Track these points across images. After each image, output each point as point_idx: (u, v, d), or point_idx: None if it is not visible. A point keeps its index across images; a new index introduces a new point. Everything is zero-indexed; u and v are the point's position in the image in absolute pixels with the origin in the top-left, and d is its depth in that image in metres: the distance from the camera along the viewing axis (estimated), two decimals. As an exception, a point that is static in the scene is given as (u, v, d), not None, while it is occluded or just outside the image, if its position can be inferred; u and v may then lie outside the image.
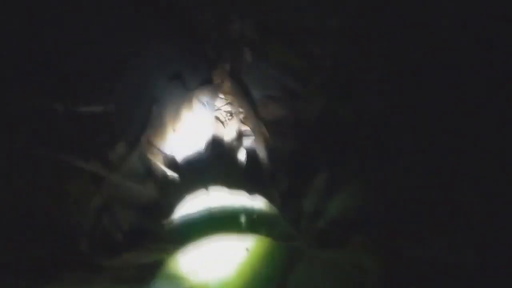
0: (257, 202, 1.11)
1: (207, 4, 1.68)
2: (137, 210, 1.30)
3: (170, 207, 1.17)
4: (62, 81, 1.35)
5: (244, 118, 1.54)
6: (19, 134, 1.31)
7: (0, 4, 1.37)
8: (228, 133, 1.45)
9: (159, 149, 1.33)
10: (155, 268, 1.13)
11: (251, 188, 1.18)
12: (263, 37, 1.67)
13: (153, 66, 1.39)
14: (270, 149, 1.46)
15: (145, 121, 1.33)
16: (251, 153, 1.44)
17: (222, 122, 1.49)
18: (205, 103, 1.47)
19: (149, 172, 1.32)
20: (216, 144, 1.38)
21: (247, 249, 0.99)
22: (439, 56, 1.49)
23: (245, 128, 1.52)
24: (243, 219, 1.08)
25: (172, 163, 1.32)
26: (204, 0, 1.68)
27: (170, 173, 1.29)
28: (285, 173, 1.40)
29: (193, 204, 1.10)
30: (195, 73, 1.49)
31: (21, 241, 1.27)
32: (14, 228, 1.28)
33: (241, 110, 1.54)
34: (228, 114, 1.52)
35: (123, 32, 1.40)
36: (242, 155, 1.40)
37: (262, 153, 1.44)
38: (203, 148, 1.36)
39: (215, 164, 1.32)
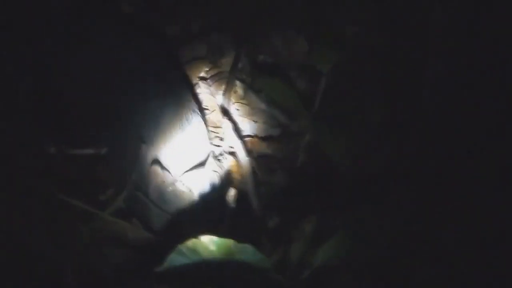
0: (246, 250, 1.13)
1: (201, 38, 1.70)
2: (128, 249, 1.32)
3: (159, 249, 1.18)
4: (56, 123, 1.36)
5: (233, 153, 1.56)
6: (12, 169, 1.32)
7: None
8: (218, 171, 1.47)
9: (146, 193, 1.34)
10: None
11: (242, 230, 1.20)
12: (254, 71, 1.69)
13: (141, 104, 1.40)
14: (259, 187, 1.49)
15: (134, 160, 1.34)
16: (241, 192, 1.46)
17: (212, 158, 1.50)
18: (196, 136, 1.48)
19: (140, 212, 1.33)
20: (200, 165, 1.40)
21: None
22: (437, 98, 1.52)
23: (234, 164, 1.54)
24: (231, 269, 1.09)
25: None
26: (197, 34, 1.70)
27: (161, 214, 1.31)
28: (275, 212, 1.43)
29: (183, 252, 1.11)
30: (185, 109, 1.48)
31: (5, 276, 1.28)
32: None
33: (230, 145, 1.56)
34: (218, 151, 1.53)
35: (113, 73, 1.41)
36: (231, 196, 1.42)
37: (252, 191, 1.46)
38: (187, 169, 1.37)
39: (205, 206, 1.34)
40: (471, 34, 1.53)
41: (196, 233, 1.13)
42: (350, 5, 1.63)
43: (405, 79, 1.58)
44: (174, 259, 1.10)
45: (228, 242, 1.12)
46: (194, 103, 1.54)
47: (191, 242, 1.11)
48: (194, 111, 1.51)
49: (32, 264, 1.31)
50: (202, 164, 1.44)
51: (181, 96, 1.52)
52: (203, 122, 1.52)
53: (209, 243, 1.12)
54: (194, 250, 1.11)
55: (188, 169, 1.41)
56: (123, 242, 1.33)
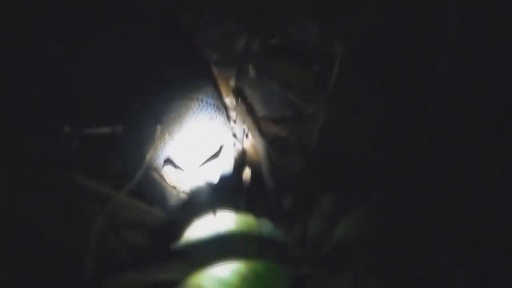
0: (265, 226, 1.11)
1: (214, 23, 1.70)
2: (144, 230, 1.31)
3: (177, 229, 1.17)
4: (70, 102, 1.36)
5: (248, 136, 1.55)
6: (26, 153, 1.32)
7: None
8: (233, 152, 1.46)
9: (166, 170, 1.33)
10: (161, 288, 1.14)
11: (257, 210, 1.19)
12: (268, 54, 1.69)
13: (157, 85, 1.39)
14: (274, 169, 1.48)
15: (150, 141, 1.33)
16: (255, 173, 1.45)
17: (227, 140, 1.49)
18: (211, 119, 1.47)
19: (156, 193, 1.33)
20: (223, 166, 1.39)
21: (255, 275, 0.99)
22: (447, 76, 1.50)
23: (249, 146, 1.53)
24: (251, 244, 1.08)
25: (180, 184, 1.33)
26: (210, 18, 1.70)
27: (177, 194, 1.30)
28: (291, 193, 1.41)
29: (201, 228, 1.10)
30: (200, 90, 1.47)
31: (25, 261, 1.27)
32: (18, 248, 1.28)
33: (245, 127, 1.55)
34: (233, 132, 1.53)
35: (129, 55, 1.41)
36: (247, 175, 1.40)
37: (266, 172, 1.45)
38: (211, 171, 1.36)
39: (222, 186, 1.33)
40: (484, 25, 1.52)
41: (213, 210, 1.12)
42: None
43: (420, 64, 1.56)
44: (192, 233, 1.09)
45: (247, 217, 1.11)
46: (212, 88, 1.52)
47: (208, 218, 1.10)
48: (212, 96, 1.48)
49: (49, 248, 1.31)
50: (218, 152, 1.42)
51: (198, 81, 1.50)
52: (222, 108, 1.50)
53: (227, 218, 1.11)
54: (211, 225, 1.10)
55: (205, 155, 1.40)
56: (140, 223, 1.33)
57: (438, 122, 1.50)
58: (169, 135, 1.37)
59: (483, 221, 1.28)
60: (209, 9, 1.74)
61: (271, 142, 1.56)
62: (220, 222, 1.10)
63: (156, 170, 1.32)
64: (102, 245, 1.31)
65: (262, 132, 1.54)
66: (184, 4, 1.69)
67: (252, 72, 1.66)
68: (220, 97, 1.54)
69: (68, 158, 1.36)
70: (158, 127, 1.31)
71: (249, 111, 1.56)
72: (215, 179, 1.37)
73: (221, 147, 1.41)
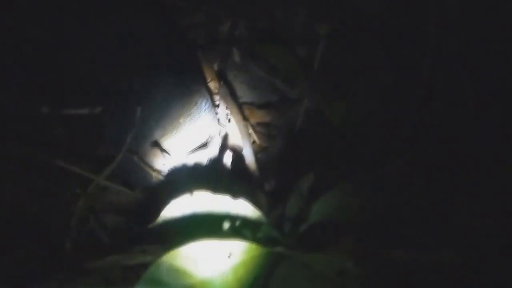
0: (242, 206, 1.11)
1: (199, 5, 1.68)
2: (123, 213, 1.31)
3: (155, 211, 1.17)
4: (50, 82, 1.34)
5: (230, 119, 1.54)
6: (4, 135, 1.31)
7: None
8: (214, 135, 1.45)
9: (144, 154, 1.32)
10: (140, 270, 1.14)
11: (237, 191, 1.18)
12: (252, 39, 1.67)
13: (141, 69, 1.37)
14: (256, 152, 1.47)
15: (130, 123, 1.32)
16: (237, 156, 1.45)
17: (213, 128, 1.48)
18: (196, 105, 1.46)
19: (135, 175, 1.32)
20: (202, 146, 1.38)
21: (229, 254, 0.99)
22: (434, 61, 1.49)
23: (231, 129, 1.52)
24: (227, 223, 1.08)
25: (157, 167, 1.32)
26: (195, 1, 1.68)
27: (155, 176, 1.30)
28: (272, 176, 1.41)
29: (178, 208, 1.10)
30: (184, 74, 1.46)
31: (4, 242, 1.27)
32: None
33: (227, 111, 1.54)
34: (216, 115, 1.52)
35: (112, 34, 1.39)
36: (228, 158, 1.40)
37: (248, 155, 1.44)
38: (190, 151, 1.35)
39: (200, 167, 1.32)
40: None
41: (190, 190, 1.12)
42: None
43: (405, 45, 1.55)
44: (168, 213, 1.09)
45: (223, 197, 1.11)
46: (197, 73, 1.51)
47: (185, 197, 1.10)
48: (197, 82, 1.47)
49: (29, 229, 1.31)
50: (205, 143, 1.41)
51: (184, 65, 1.48)
52: (207, 94, 1.49)
53: (203, 198, 1.10)
54: (188, 205, 1.09)
55: (191, 141, 1.38)
56: (119, 206, 1.32)
57: (422, 105, 1.50)
58: (155, 120, 1.36)
59: (469, 201, 1.27)
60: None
61: (255, 126, 1.55)
62: (197, 202, 1.09)
63: (137, 153, 1.31)
64: (83, 227, 1.31)
65: (245, 116, 1.53)
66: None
67: (237, 56, 1.65)
68: (205, 82, 1.53)
69: (49, 140, 1.35)
70: (138, 109, 1.30)
71: (232, 96, 1.55)
72: (198, 164, 1.36)
73: (208, 138, 1.39)
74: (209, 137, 1.40)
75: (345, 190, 1.15)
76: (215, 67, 1.61)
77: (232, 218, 1.09)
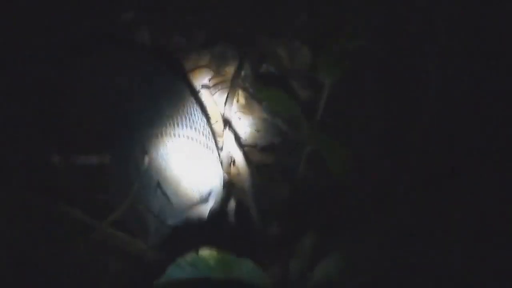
0: (245, 265, 1.12)
1: (204, 47, 1.70)
2: (126, 261, 1.32)
3: (158, 262, 1.18)
4: (59, 132, 1.36)
5: (234, 161, 1.55)
6: (13, 182, 1.32)
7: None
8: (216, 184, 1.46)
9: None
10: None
11: (240, 245, 1.20)
12: (257, 81, 1.69)
13: (147, 116, 1.39)
14: (259, 198, 1.48)
15: (136, 171, 1.33)
16: (240, 202, 1.46)
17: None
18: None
19: (140, 224, 1.33)
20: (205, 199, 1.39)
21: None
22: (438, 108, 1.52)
23: (235, 174, 1.54)
24: (230, 285, 1.09)
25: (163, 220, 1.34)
26: (201, 43, 1.71)
27: (161, 228, 1.31)
28: (274, 224, 1.42)
29: (183, 267, 1.11)
30: (190, 127, 1.47)
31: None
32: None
33: (231, 156, 1.56)
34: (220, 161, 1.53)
35: (118, 83, 1.41)
36: (232, 208, 1.42)
37: (252, 203, 1.46)
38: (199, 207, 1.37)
39: (207, 221, 1.34)
40: (473, 44, 1.53)
41: (196, 247, 1.13)
42: (354, 18, 1.63)
43: (407, 91, 1.58)
44: (173, 272, 1.10)
45: (227, 257, 1.12)
46: (203, 123, 1.52)
47: (190, 256, 1.11)
48: (203, 133, 1.48)
49: (30, 275, 1.31)
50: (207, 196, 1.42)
51: (189, 115, 1.49)
52: (213, 143, 1.50)
53: (208, 257, 1.12)
54: (193, 264, 1.11)
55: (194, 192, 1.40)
56: (122, 255, 1.33)
57: (425, 152, 1.52)
58: (157, 170, 1.37)
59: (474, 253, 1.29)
60: (199, 32, 1.74)
61: (258, 170, 1.56)
62: (201, 260, 1.11)
63: (142, 202, 1.33)
64: (85, 273, 1.32)
65: (248, 161, 1.55)
66: (175, 28, 1.70)
67: (241, 98, 1.67)
68: (210, 126, 1.55)
69: (54, 186, 1.36)
70: (146, 159, 1.31)
71: (237, 139, 1.57)
72: (201, 216, 1.37)
73: (210, 191, 1.41)
74: (211, 188, 1.41)
75: (349, 251, 1.17)
76: (220, 110, 1.63)
77: (235, 280, 1.10)
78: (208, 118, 1.57)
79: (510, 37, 1.52)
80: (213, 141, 1.50)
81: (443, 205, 1.39)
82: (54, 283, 1.29)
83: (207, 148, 1.44)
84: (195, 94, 1.60)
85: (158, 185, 1.31)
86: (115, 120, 1.37)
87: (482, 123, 1.50)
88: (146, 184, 1.32)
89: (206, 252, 1.12)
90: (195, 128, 1.43)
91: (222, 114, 1.62)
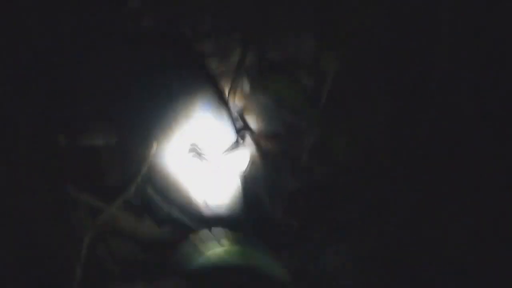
0: (261, 257, 1.13)
1: (209, 36, 1.70)
2: (134, 243, 1.31)
3: (167, 244, 1.18)
4: (65, 113, 1.35)
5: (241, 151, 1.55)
6: (19, 163, 1.31)
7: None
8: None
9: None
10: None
11: (252, 231, 1.20)
12: (261, 69, 1.70)
13: (157, 99, 1.39)
14: (269, 187, 1.48)
15: (144, 153, 1.33)
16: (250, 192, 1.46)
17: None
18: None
19: (147, 206, 1.33)
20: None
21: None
22: (442, 98, 1.53)
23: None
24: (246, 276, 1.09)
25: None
26: (206, 31, 1.70)
27: (169, 210, 1.31)
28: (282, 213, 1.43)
29: (195, 245, 1.11)
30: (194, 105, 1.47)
31: (14, 270, 1.26)
32: (7, 257, 1.27)
33: (237, 143, 1.55)
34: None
35: (124, 64, 1.41)
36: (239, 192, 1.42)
37: (261, 191, 1.46)
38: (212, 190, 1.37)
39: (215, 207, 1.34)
40: (479, 32, 1.55)
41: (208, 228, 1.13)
42: (359, 5, 1.64)
43: (412, 78, 1.59)
44: (186, 251, 1.10)
45: (245, 248, 1.12)
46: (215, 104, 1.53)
47: (203, 233, 1.11)
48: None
49: (39, 258, 1.30)
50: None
51: (200, 95, 1.50)
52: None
53: (221, 235, 1.12)
54: (205, 244, 1.11)
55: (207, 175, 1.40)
56: (131, 237, 1.33)
57: (430, 143, 1.53)
58: (168, 151, 1.36)
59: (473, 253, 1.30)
60: (204, 21, 1.74)
61: (263, 159, 1.56)
62: (214, 238, 1.11)
63: (151, 184, 1.32)
64: (92, 256, 1.31)
65: (255, 148, 1.55)
66: (180, 17, 1.70)
67: (246, 87, 1.67)
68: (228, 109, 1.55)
69: (61, 168, 1.35)
70: (155, 142, 1.31)
71: (247, 129, 1.57)
72: (215, 201, 1.37)
73: (224, 173, 1.41)
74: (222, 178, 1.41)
75: (357, 242, 1.18)
76: (225, 97, 1.63)
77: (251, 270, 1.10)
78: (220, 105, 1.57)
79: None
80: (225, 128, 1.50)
81: (446, 192, 1.41)
82: (63, 266, 1.28)
83: (217, 137, 1.45)
84: (203, 83, 1.59)
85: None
86: (125, 102, 1.36)
87: (485, 121, 1.51)
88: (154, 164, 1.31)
89: (219, 231, 1.13)
90: (204, 118, 1.43)
91: (227, 102, 1.62)
